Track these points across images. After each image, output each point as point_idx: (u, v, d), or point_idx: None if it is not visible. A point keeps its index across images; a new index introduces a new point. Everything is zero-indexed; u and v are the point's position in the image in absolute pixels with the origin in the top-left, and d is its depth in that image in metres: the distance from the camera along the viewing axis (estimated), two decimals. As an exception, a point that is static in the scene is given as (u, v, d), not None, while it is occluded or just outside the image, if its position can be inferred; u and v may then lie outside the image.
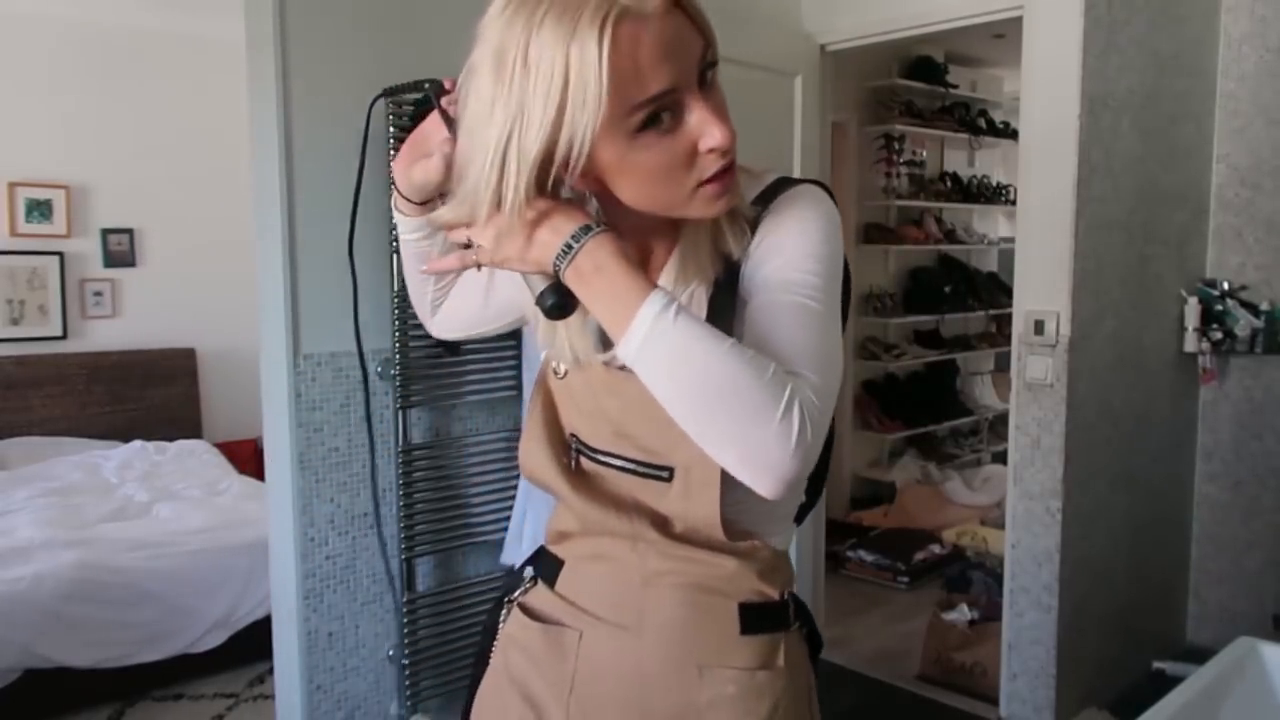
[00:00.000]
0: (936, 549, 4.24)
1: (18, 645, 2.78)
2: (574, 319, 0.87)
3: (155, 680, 3.04)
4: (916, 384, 5.37)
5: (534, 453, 0.99)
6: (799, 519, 1.02)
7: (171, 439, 4.60)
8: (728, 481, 0.83)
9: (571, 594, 0.98)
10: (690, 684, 0.91)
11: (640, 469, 0.91)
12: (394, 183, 1.01)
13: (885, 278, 5.23)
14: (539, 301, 0.81)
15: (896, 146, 5.04)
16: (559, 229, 0.78)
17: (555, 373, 0.98)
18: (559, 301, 0.80)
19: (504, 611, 1.06)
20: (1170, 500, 3.20)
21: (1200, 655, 2.23)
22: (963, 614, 3.24)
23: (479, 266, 0.84)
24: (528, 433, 1.00)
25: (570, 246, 0.78)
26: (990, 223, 6.08)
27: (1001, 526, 3.07)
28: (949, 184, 5.50)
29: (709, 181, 0.79)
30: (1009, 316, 2.88)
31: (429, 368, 2.32)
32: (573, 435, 0.97)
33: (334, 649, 2.23)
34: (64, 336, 4.60)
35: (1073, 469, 2.65)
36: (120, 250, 4.74)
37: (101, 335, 4.71)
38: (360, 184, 2.11)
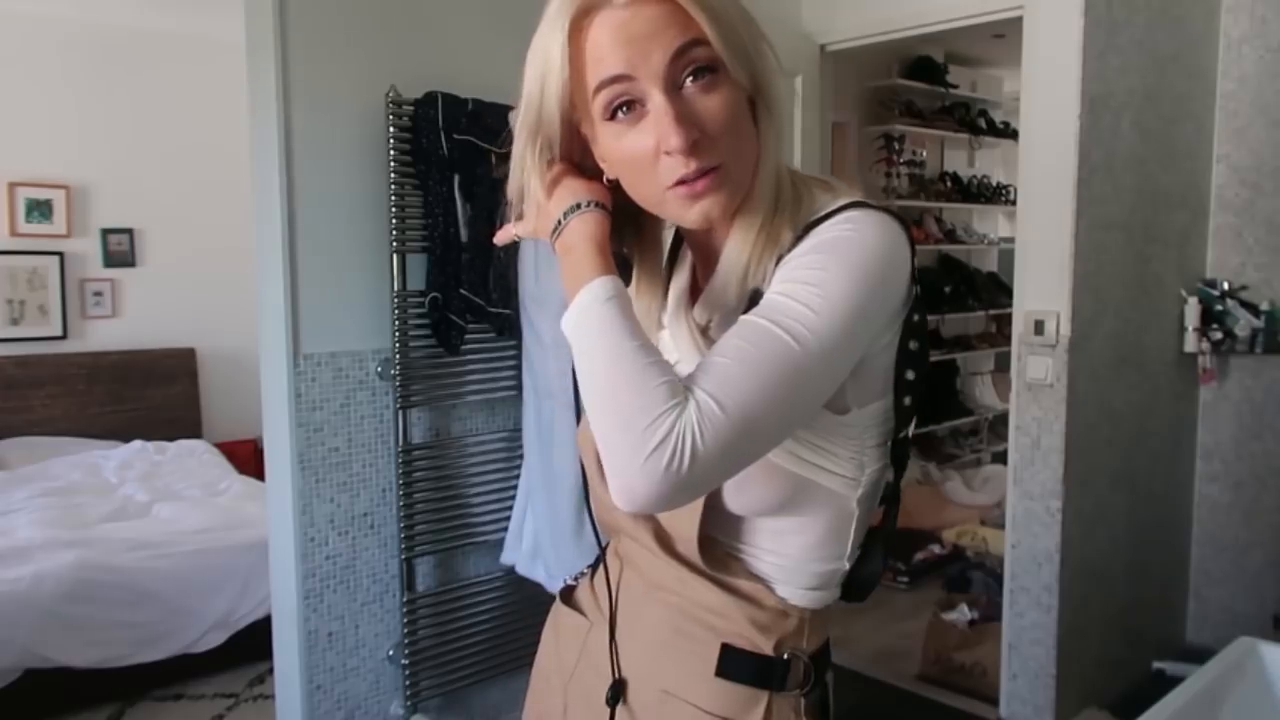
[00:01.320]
0: (936, 549, 4.24)
1: (18, 645, 2.78)
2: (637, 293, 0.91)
3: (155, 680, 3.04)
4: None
5: (586, 437, 0.95)
6: (850, 596, 0.93)
7: (171, 439, 4.60)
8: (719, 506, 0.83)
9: (599, 587, 1.00)
10: (654, 706, 0.89)
11: None
12: None
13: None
14: None
15: (896, 146, 5.04)
16: (559, 202, 0.83)
17: None
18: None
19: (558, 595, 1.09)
20: (1170, 500, 3.20)
21: (1200, 655, 2.23)
22: (963, 614, 3.24)
23: (519, 238, 0.91)
24: (585, 419, 0.99)
25: (560, 222, 0.82)
26: (990, 223, 6.08)
27: (1001, 526, 3.06)
28: (949, 184, 5.50)
29: (675, 185, 0.76)
30: (1009, 316, 2.88)
31: (429, 368, 2.32)
32: None
33: (334, 649, 2.23)
34: (64, 336, 4.60)
35: (1073, 469, 2.65)
36: (120, 250, 4.74)
37: (101, 335, 4.71)
38: (392, 182, 2.16)
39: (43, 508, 3.49)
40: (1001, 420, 5.17)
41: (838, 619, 3.35)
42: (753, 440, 0.72)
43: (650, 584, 0.91)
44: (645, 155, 0.76)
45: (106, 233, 4.70)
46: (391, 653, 2.31)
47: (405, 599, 2.30)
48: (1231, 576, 3.24)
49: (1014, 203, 2.97)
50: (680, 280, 0.93)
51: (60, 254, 4.57)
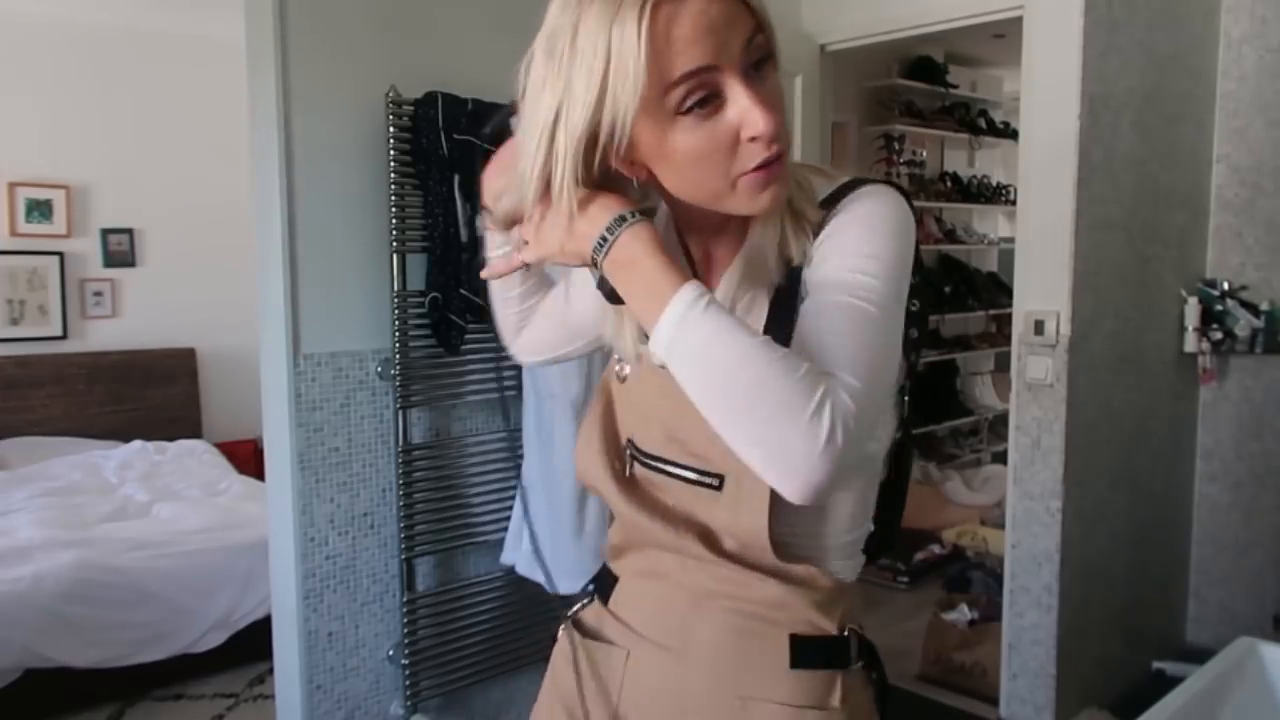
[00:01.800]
0: (936, 549, 4.24)
1: (18, 645, 2.78)
2: (630, 316, 0.87)
3: (155, 680, 3.04)
4: (916, 384, 5.36)
5: (588, 456, 0.96)
6: (871, 553, 0.95)
7: (171, 439, 4.60)
8: (781, 496, 0.81)
9: (623, 611, 0.97)
10: (733, 716, 0.87)
11: (691, 475, 0.87)
12: (481, 201, 1.00)
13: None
14: (599, 285, 0.81)
15: (896, 146, 5.04)
16: (596, 219, 0.78)
17: (619, 376, 0.96)
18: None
19: (563, 627, 1.04)
20: (1170, 500, 3.20)
21: (1200, 655, 2.23)
22: (963, 614, 3.24)
23: (527, 266, 0.85)
24: (584, 436, 0.97)
25: (605, 239, 0.77)
26: (990, 223, 6.08)
27: (1001, 526, 3.06)
28: (949, 184, 5.50)
29: (751, 172, 0.76)
30: (1009, 316, 2.88)
31: (429, 368, 2.32)
32: (629, 440, 0.95)
33: (334, 649, 2.23)
34: (64, 336, 4.60)
35: (1073, 469, 2.65)
36: (120, 250, 4.74)
37: (101, 335, 4.71)
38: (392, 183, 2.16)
39: (43, 508, 3.49)
40: (1001, 420, 5.17)
41: (838, 619, 3.22)
42: (880, 404, 0.76)
43: (699, 593, 0.89)
44: (723, 145, 0.75)
45: (106, 233, 4.70)
46: (391, 653, 2.31)
47: (405, 599, 2.30)
48: (1231, 576, 3.24)
49: (1014, 203, 2.97)
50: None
51: (60, 254, 4.57)
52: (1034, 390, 2.67)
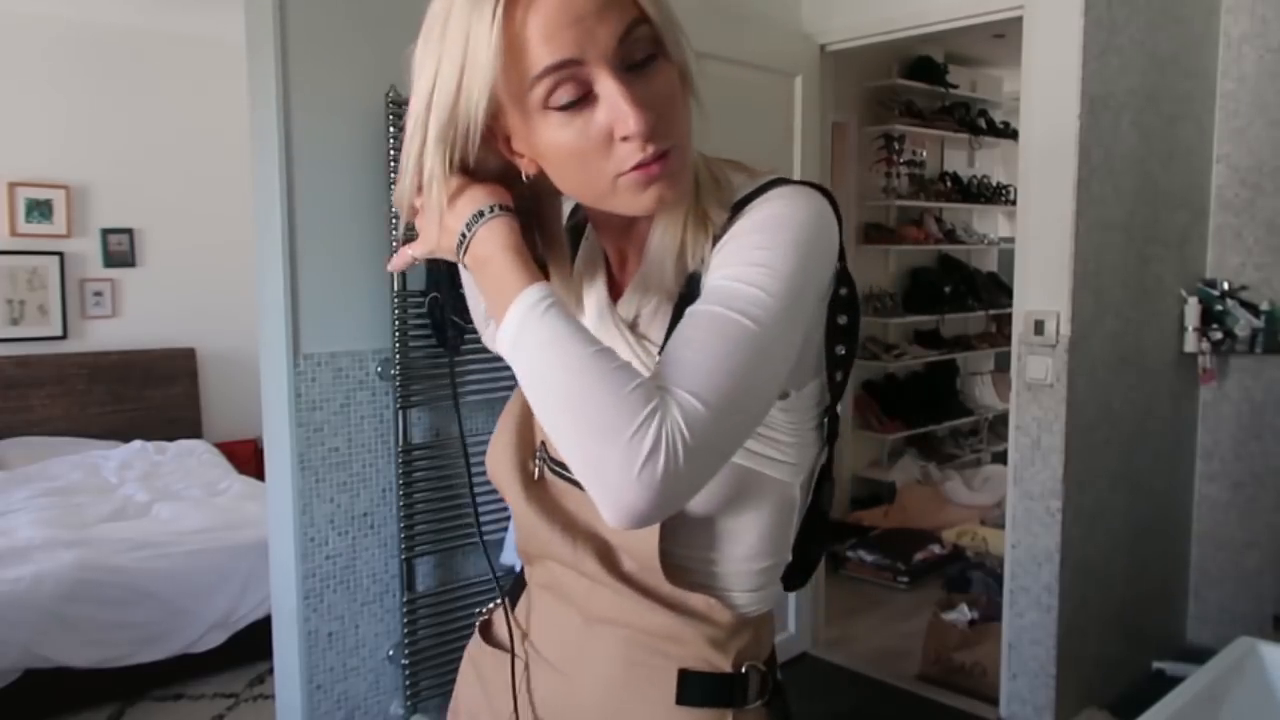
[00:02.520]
0: (936, 549, 4.24)
1: (18, 645, 2.78)
2: None
3: (155, 680, 3.04)
4: (916, 384, 5.37)
5: (496, 455, 0.92)
6: (791, 583, 0.89)
7: (171, 439, 4.60)
8: (679, 516, 0.76)
9: (524, 620, 0.93)
10: None
11: None
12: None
13: (885, 278, 5.23)
14: None
15: (896, 146, 5.04)
16: (460, 213, 0.75)
17: None
18: None
19: (476, 626, 1.02)
20: (1170, 500, 3.20)
21: (1200, 655, 2.23)
22: (963, 614, 3.24)
23: (415, 260, 0.81)
24: (498, 433, 0.93)
25: (464, 234, 0.74)
26: (990, 223, 6.08)
27: (1001, 526, 3.07)
28: (949, 184, 5.50)
29: (630, 171, 0.71)
30: (1009, 316, 2.88)
31: (429, 368, 2.32)
32: (542, 443, 0.90)
33: (334, 649, 2.23)
34: (64, 336, 4.60)
35: (1073, 469, 2.65)
36: (120, 250, 4.74)
37: (101, 335, 4.71)
38: (393, 183, 2.14)
39: (43, 508, 3.49)
40: (1001, 420, 5.18)
41: (837, 620, 3.34)
42: (734, 430, 0.70)
43: (592, 617, 0.85)
44: (595, 143, 0.70)
45: (106, 233, 4.70)
46: (391, 653, 2.31)
47: (405, 599, 2.30)
48: (1231, 576, 3.24)
49: (1014, 203, 2.97)
50: (595, 281, 0.88)
51: (60, 254, 4.57)
52: (1034, 390, 2.67)
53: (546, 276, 0.78)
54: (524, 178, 0.77)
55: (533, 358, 0.69)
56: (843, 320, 0.81)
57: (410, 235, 0.82)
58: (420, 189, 0.76)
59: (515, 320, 0.70)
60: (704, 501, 0.79)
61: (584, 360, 0.66)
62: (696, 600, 0.81)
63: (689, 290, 0.77)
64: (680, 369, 0.67)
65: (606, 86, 0.69)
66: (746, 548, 0.83)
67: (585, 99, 0.70)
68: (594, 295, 0.87)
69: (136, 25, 4.71)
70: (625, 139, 0.70)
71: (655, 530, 0.77)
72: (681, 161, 0.74)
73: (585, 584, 0.85)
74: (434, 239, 0.78)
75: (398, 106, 2.19)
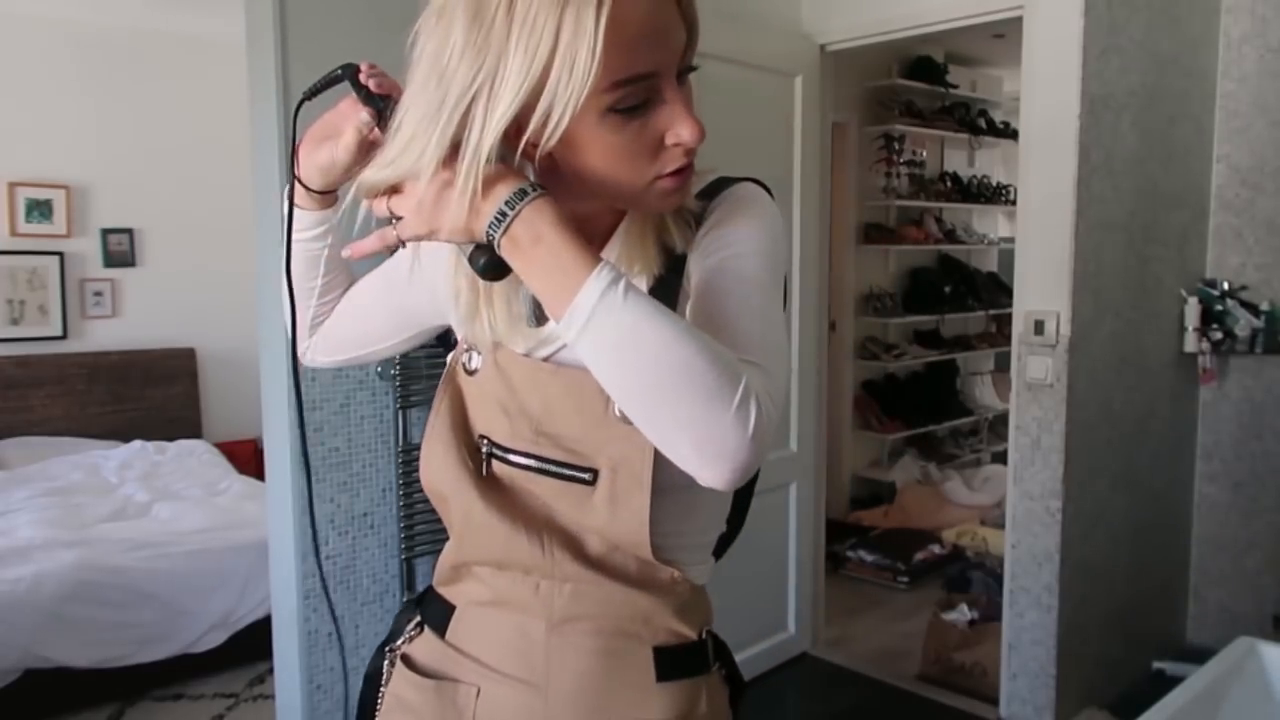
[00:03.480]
0: (936, 549, 4.24)
1: (18, 646, 2.78)
2: (498, 297, 0.83)
3: (155, 680, 3.04)
4: (916, 384, 5.37)
5: (437, 456, 0.87)
6: (718, 553, 0.94)
7: (171, 439, 4.60)
8: (657, 493, 0.79)
9: (465, 643, 0.88)
10: None
11: (559, 470, 0.81)
12: (294, 173, 0.92)
13: (885, 278, 5.23)
14: (471, 262, 0.74)
15: (896, 146, 5.04)
16: (494, 194, 0.71)
17: (465, 369, 0.89)
18: (493, 260, 0.72)
19: (385, 662, 0.95)
20: (1170, 500, 3.20)
21: (1200, 655, 2.23)
22: (963, 614, 3.24)
23: (403, 244, 0.76)
24: (430, 436, 0.88)
25: (504, 214, 0.70)
26: (990, 223, 6.08)
27: (1001, 526, 3.07)
28: (949, 184, 5.50)
29: (668, 176, 0.76)
30: (1009, 316, 2.88)
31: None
32: (483, 437, 0.86)
33: (334, 649, 2.23)
34: (64, 336, 4.60)
35: (1073, 469, 2.65)
36: (120, 250, 4.74)
37: (101, 335, 4.71)
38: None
39: (43, 508, 3.49)
40: (1001, 420, 5.18)
41: (837, 620, 3.34)
42: (784, 391, 0.78)
43: (556, 619, 0.84)
44: (644, 148, 0.74)
45: (106, 233, 4.70)
46: (391, 653, 2.31)
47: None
48: (1231, 576, 3.24)
49: (1014, 203, 2.97)
50: None
51: (60, 254, 4.57)
52: (1034, 390, 2.67)
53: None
54: (531, 173, 0.76)
55: (624, 334, 0.68)
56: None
57: (382, 222, 0.77)
58: (442, 168, 0.71)
59: (591, 299, 0.68)
60: (679, 474, 0.78)
61: (683, 335, 0.68)
62: (664, 573, 0.83)
63: (670, 271, 0.83)
64: (742, 342, 0.74)
65: (671, 97, 0.74)
66: (707, 519, 0.88)
67: (646, 104, 0.73)
68: None
69: (137, 25, 4.71)
70: (678, 145, 0.75)
71: (646, 508, 0.79)
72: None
73: (545, 586, 0.83)
74: (452, 221, 0.71)
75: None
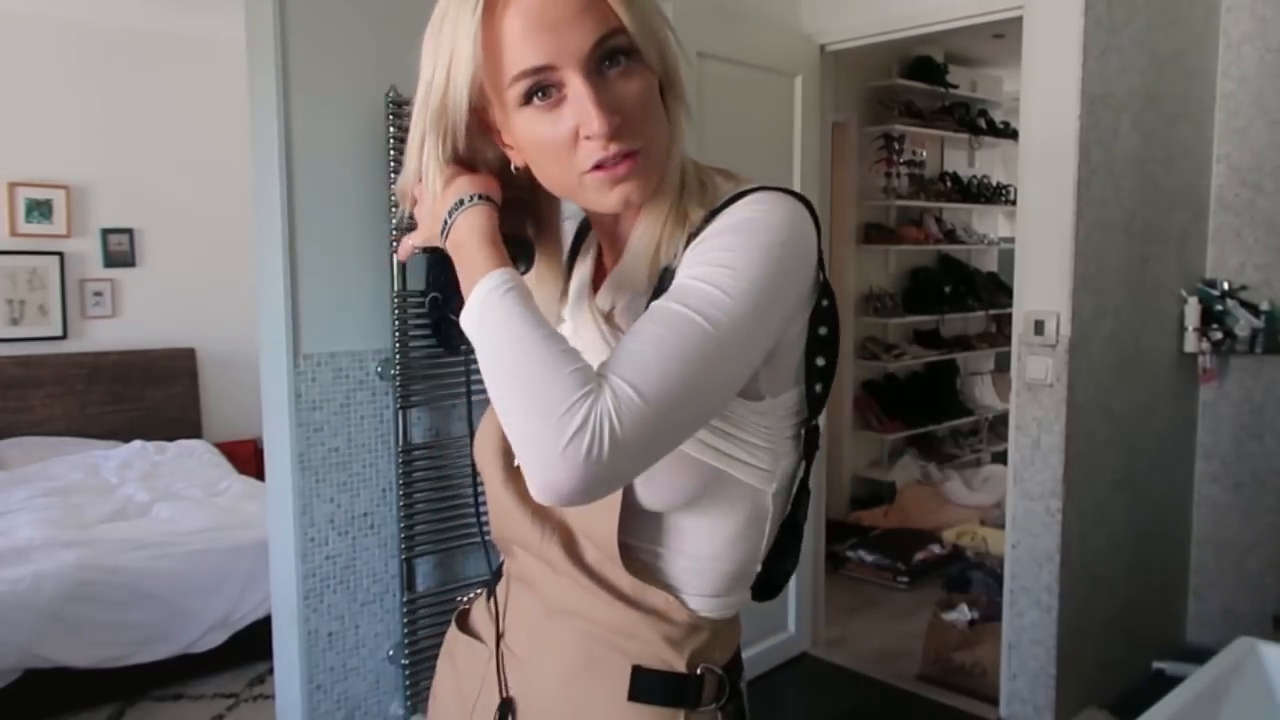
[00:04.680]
0: (936, 549, 4.24)
1: (18, 646, 2.78)
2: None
3: (155, 680, 3.04)
4: (916, 384, 5.37)
5: (482, 435, 0.93)
6: (761, 593, 0.90)
7: (171, 439, 4.60)
8: (630, 500, 0.79)
9: (501, 610, 0.95)
10: None
11: None
12: None
13: (885, 278, 5.23)
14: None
15: (896, 146, 5.04)
16: (446, 201, 0.80)
17: None
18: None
19: (455, 615, 1.04)
20: (1170, 500, 3.20)
21: (1200, 655, 2.23)
22: (963, 614, 3.24)
23: (417, 249, 0.86)
24: (486, 419, 0.94)
25: (446, 221, 0.79)
26: (990, 223, 6.08)
27: (1001, 526, 3.07)
28: (949, 184, 5.50)
29: (598, 170, 0.75)
30: (1009, 316, 2.88)
31: (429, 368, 2.32)
32: None
33: (334, 649, 2.23)
34: (64, 336, 4.60)
35: (1073, 469, 2.65)
36: (120, 250, 4.74)
37: (101, 335, 4.71)
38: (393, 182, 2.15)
39: (43, 508, 3.49)
40: (1001, 420, 5.18)
41: (837, 620, 3.34)
42: (671, 426, 0.71)
43: (552, 608, 0.87)
44: (564, 140, 0.75)
45: (106, 233, 4.70)
46: (391, 653, 2.31)
47: (405, 599, 2.30)
48: (1231, 577, 3.24)
49: (1014, 203, 2.97)
50: (583, 270, 0.92)
51: (60, 254, 4.57)
52: (1034, 390, 2.67)
53: (532, 259, 0.87)
54: (513, 169, 0.82)
55: (487, 336, 0.73)
56: (823, 332, 0.82)
57: (411, 225, 0.87)
58: (420, 179, 0.81)
59: (477, 300, 0.74)
60: (666, 496, 0.80)
61: (530, 340, 0.70)
62: (655, 596, 0.82)
63: (661, 285, 0.79)
64: (625, 359, 0.70)
65: (575, 89, 0.73)
66: (709, 548, 0.83)
67: (557, 98, 0.74)
68: (579, 283, 0.91)
69: (137, 25, 4.70)
70: (589, 138, 0.74)
71: (614, 518, 0.79)
72: (650, 163, 0.77)
73: (549, 573, 0.86)
74: (428, 226, 0.82)
75: (398, 106, 2.19)
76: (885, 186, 5.09)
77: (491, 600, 0.96)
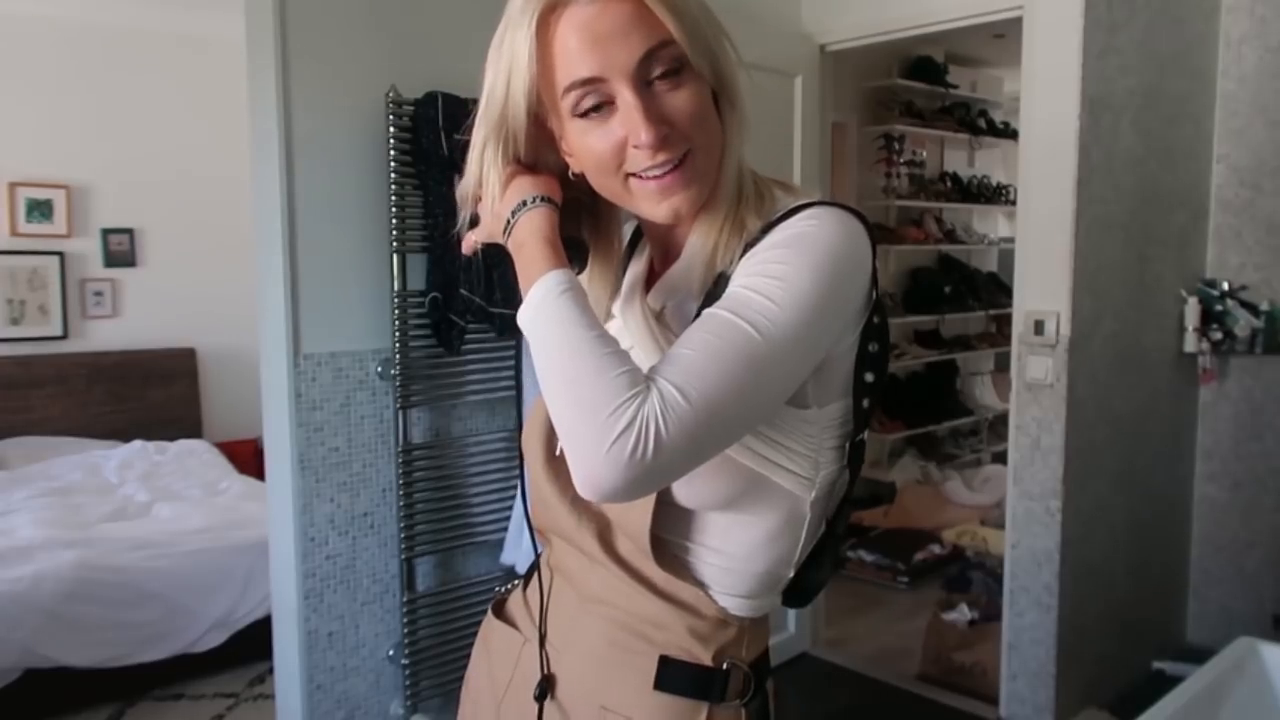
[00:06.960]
0: (936, 549, 4.24)
1: (18, 645, 2.79)
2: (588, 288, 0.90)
3: (155, 680, 3.04)
4: (916, 384, 5.37)
5: (532, 426, 0.95)
6: (792, 599, 0.92)
7: (171, 439, 4.60)
8: (676, 507, 0.81)
9: (532, 599, 0.97)
10: None
11: None
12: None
13: (885, 278, 5.23)
14: None
15: (896, 146, 5.04)
16: (509, 202, 0.83)
17: None
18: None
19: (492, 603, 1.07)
20: (1170, 500, 3.20)
21: (1200, 655, 2.23)
22: (963, 614, 3.24)
23: (476, 244, 0.91)
24: (535, 406, 0.95)
25: (509, 221, 0.82)
26: (990, 223, 6.08)
27: (1001, 526, 3.06)
28: (949, 184, 5.51)
29: (641, 178, 0.79)
30: (1009, 316, 2.88)
31: (429, 368, 2.32)
32: None
33: (334, 649, 2.24)
34: (64, 336, 4.60)
35: (1073, 469, 2.65)
36: (120, 250, 4.74)
37: (101, 335, 4.71)
38: (392, 183, 2.18)
39: (43, 508, 3.49)
40: (1001, 420, 5.17)
41: (837, 620, 3.34)
42: (716, 431, 0.72)
43: (585, 596, 0.89)
44: (613, 149, 0.78)
45: (106, 233, 4.70)
46: (391, 653, 2.31)
47: (405, 599, 2.30)
48: (1231, 576, 3.24)
49: (1014, 203, 2.97)
50: (637, 267, 0.94)
51: (60, 254, 4.57)
52: (1034, 390, 2.67)
53: (586, 260, 0.92)
54: (570, 175, 0.86)
55: (542, 336, 0.75)
56: (873, 348, 0.83)
57: (473, 223, 0.92)
58: (480, 183, 0.85)
59: (534, 301, 0.76)
60: (704, 495, 0.81)
61: (583, 341, 0.72)
62: (685, 590, 0.84)
63: (715, 290, 0.81)
64: (674, 364, 0.71)
65: (624, 100, 0.76)
66: (742, 549, 0.84)
67: (608, 108, 0.78)
68: (631, 281, 0.94)
69: (137, 25, 4.70)
70: (636, 147, 0.77)
71: (648, 512, 0.81)
72: (698, 173, 0.80)
73: (583, 562, 0.89)
74: (490, 225, 0.86)
75: (398, 106, 2.19)
76: (885, 186, 5.09)
77: (532, 588, 0.98)
